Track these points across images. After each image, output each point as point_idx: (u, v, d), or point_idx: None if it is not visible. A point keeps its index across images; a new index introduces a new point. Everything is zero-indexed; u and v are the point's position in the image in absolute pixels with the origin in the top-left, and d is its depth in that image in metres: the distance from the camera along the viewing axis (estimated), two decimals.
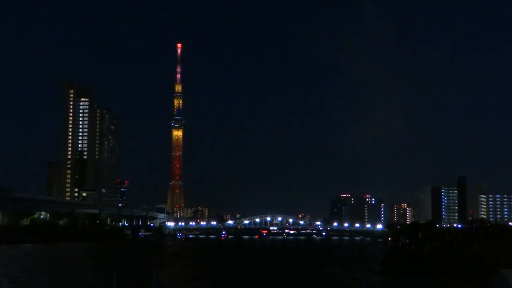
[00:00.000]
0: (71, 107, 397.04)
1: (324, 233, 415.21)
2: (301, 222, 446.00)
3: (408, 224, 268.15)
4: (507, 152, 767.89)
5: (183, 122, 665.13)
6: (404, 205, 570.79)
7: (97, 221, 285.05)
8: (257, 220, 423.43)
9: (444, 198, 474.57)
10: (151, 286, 66.26)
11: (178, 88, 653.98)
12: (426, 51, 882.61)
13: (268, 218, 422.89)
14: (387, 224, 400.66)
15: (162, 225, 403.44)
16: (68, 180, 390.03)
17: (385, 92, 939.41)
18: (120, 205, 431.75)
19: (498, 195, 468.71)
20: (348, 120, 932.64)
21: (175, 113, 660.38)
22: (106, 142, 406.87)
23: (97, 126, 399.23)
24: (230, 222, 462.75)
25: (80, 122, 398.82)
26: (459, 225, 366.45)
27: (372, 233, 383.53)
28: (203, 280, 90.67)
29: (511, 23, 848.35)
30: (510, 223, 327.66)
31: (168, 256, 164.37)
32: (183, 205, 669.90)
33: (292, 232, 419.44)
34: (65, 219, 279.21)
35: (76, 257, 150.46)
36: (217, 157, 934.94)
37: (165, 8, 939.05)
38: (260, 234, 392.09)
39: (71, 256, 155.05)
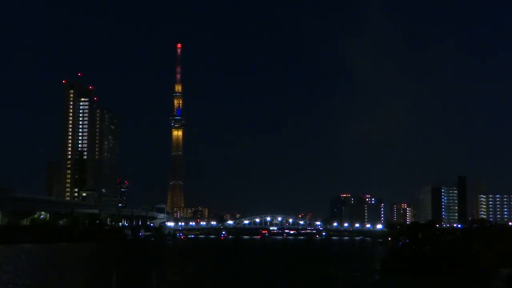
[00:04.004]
0: (71, 107, 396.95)
1: (324, 233, 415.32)
2: (301, 222, 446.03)
3: (408, 224, 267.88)
4: (507, 152, 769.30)
5: (183, 122, 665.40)
6: (404, 205, 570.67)
7: (97, 221, 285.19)
8: (257, 220, 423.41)
9: (444, 198, 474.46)
10: (151, 287, 66.25)
11: (178, 88, 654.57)
12: (427, 52, 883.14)
13: (268, 218, 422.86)
14: (387, 224, 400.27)
15: (162, 225, 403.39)
16: (68, 180, 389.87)
17: (385, 92, 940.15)
18: (120, 205, 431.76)
19: (498, 195, 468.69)
20: (348, 120, 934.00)
21: (175, 113, 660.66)
22: (106, 142, 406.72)
23: (97, 126, 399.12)
24: (230, 222, 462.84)
25: (80, 122, 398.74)
26: (459, 225, 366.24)
27: (372, 233, 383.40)
28: (203, 280, 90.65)
29: None
30: (510, 223, 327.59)
31: (168, 256, 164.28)
32: (183, 205, 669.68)
33: (292, 232, 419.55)
34: (65, 219, 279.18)
35: (76, 257, 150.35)
36: (217, 157, 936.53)
37: (165, 8, 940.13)
38: (262, 234, 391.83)
39: (71, 256, 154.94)
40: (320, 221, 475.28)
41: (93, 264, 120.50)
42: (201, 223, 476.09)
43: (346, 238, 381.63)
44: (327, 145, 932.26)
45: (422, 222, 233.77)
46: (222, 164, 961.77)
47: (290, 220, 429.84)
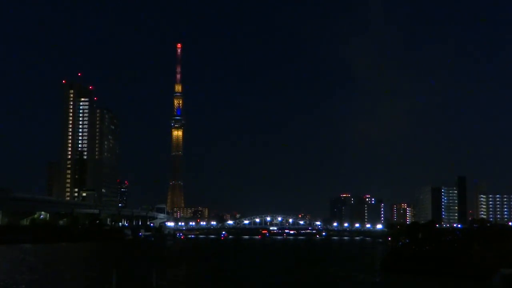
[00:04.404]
0: (71, 107, 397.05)
1: (324, 233, 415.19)
2: (301, 222, 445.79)
3: (408, 224, 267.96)
4: (507, 152, 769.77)
5: (183, 122, 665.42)
6: (404, 205, 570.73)
7: (97, 221, 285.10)
8: (257, 220, 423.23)
9: (444, 198, 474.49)
10: (150, 287, 66.19)
11: (178, 88, 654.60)
12: (427, 52, 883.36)
13: (268, 218, 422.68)
14: (387, 224, 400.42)
15: (162, 225, 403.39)
16: (68, 180, 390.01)
17: (386, 92, 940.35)
18: (120, 205, 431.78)
19: (498, 195, 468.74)
20: (348, 120, 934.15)
21: (175, 113, 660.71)
22: (106, 142, 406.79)
23: (97, 126, 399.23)
24: (230, 222, 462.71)
25: (80, 122, 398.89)
26: (459, 225, 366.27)
27: (372, 233, 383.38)
28: (203, 280, 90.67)
29: None
30: (510, 223, 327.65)
31: (168, 256, 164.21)
32: (183, 205, 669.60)
33: (292, 232, 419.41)
34: (65, 219, 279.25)
35: (76, 257, 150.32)
36: (217, 157, 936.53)
37: (165, 8, 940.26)
38: (263, 234, 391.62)
39: (71, 256, 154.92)
40: (320, 221, 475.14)
41: (93, 264, 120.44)
42: (201, 223, 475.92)
43: (346, 238, 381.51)
44: (327, 145, 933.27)
45: (422, 222, 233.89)
46: (222, 164, 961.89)
47: (290, 220, 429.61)
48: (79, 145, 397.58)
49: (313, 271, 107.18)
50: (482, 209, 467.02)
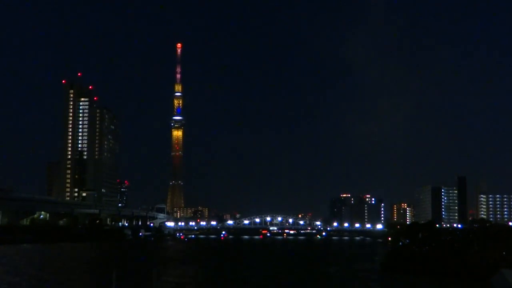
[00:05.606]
0: (71, 107, 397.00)
1: (324, 233, 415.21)
2: (301, 222, 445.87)
3: (408, 224, 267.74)
4: (507, 152, 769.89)
5: (183, 122, 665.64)
6: (404, 205, 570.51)
7: (97, 221, 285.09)
8: (257, 220, 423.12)
9: (444, 198, 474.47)
10: (150, 287, 66.22)
11: (178, 88, 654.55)
12: (428, 51, 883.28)
13: (268, 218, 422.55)
14: (387, 224, 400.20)
15: (162, 225, 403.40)
16: (68, 180, 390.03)
17: (386, 92, 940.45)
18: (120, 205, 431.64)
19: (498, 195, 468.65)
20: (349, 120, 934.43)
21: (175, 113, 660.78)
22: (106, 142, 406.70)
23: (97, 126, 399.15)
24: (230, 222, 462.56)
25: (80, 122, 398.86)
26: (459, 225, 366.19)
27: (372, 233, 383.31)
28: (203, 280, 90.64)
29: None
30: (510, 223, 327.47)
31: (168, 256, 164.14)
32: (183, 205, 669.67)
33: (292, 232, 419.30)
34: (65, 219, 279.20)
35: (75, 258, 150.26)
36: (217, 157, 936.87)
37: (165, 8, 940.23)
38: (264, 234, 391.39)
39: (71, 257, 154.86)
40: (320, 221, 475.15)
41: (92, 264, 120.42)
42: (201, 223, 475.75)
43: (346, 238, 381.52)
44: (327, 145, 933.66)
45: (422, 222, 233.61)
46: (222, 164, 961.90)
47: (290, 220, 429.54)
48: (79, 145, 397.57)
49: (313, 271, 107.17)
50: (482, 209, 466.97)
